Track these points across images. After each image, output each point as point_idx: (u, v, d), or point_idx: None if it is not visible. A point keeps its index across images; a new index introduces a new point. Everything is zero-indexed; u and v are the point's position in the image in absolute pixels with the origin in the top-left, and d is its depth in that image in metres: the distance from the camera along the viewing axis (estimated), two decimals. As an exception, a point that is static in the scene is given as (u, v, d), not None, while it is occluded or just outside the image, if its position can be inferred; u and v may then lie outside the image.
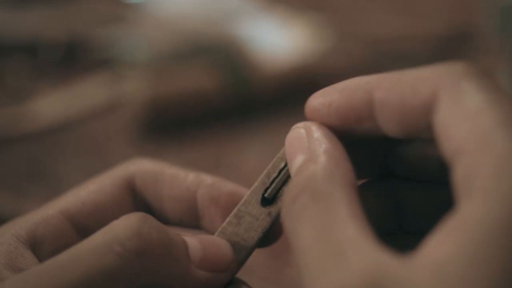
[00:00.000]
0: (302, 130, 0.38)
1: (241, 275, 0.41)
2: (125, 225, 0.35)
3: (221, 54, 1.03)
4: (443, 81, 0.33)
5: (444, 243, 0.28)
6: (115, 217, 0.37)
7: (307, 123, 0.38)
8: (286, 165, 0.40)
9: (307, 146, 0.36)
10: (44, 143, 0.96)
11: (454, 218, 0.29)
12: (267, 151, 0.90)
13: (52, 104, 1.03)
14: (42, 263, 0.35)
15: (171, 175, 0.45)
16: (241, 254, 0.40)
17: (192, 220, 0.45)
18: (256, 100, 1.01)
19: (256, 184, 0.41)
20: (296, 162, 0.36)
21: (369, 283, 0.28)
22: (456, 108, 0.32)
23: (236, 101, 1.00)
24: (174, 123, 0.98)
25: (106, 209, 0.43)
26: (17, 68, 1.12)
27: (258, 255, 0.43)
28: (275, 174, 0.40)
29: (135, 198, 0.45)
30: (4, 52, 1.14)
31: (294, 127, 0.38)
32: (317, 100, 0.39)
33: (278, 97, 1.02)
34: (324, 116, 0.38)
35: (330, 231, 0.31)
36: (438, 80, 0.33)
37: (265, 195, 0.40)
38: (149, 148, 0.95)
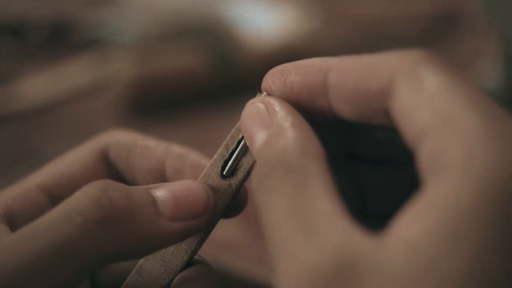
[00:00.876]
0: (261, 105, 0.37)
1: (223, 253, 0.41)
2: (86, 195, 0.35)
3: (208, 34, 1.02)
4: (400, 66, 0.33)
5: (415, 223, 0.28)
6: None
7: (266, 98, 0.38)
8: (243, 137, 0.40)
9: (270, 120, 0.36)
10: (31, 124, 0.96)
11: (423, 197, 0.29)
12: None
13: (39, 85, 1.03)
14: (8, 236, 0.35)
15: (143, 147, 0.45)
16: (221, 203, 0.40)
17: None
18: (242, 81, 1.01)
19: (215, 156, 0.41)
20: (259, 137, 0.36)
21: (341, 263, 0.28)
22: (415, 92, 0.32)
23: (222, 81, 1.00)
24: (160, 104, 0.98)
25: (82, 181, 0.42)
26: (3, 49, 1.11)
27: (241, 234, 0.43)
28: (234, 146, 0.40)
29: (110, 169, 0.45)
30: (-10, 33, 1.14)
31: (250, 102, 0.38)
32: (274, 76, 0.38)
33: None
34: (279, 91, 0.38)
35: (304, 206, 0.31)
36: (396, 65, 0.33)
37: (225, 167, 0.40)
38: (135, 128, 0.94)
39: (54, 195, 0.43)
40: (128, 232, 0.35)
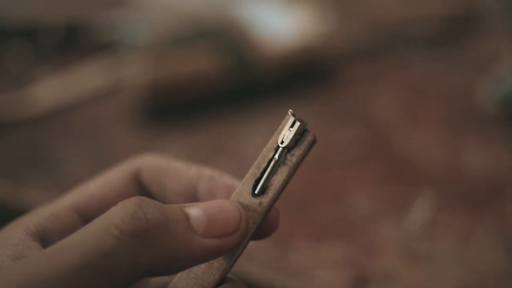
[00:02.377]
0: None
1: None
2: (121, 209, 0.36)
3: (223, 37, 1.02)
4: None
5: None
6: None
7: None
8: (274, 154, 0.41)
9: None
10: (44, 128, 0.96)
11: None
12: (269, 135, 0.90)
13: (52, 89, 1.02)
14: (45, 249, 0.35)
15: (175, 169, 0.46)
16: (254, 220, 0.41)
17: None
18: (258, 84, 1.00)
19: (247, 175, 0.41)
20: None
21: None
22: None
23: (238, 85, 0.99)
24: (175, 107, 0.98)
25: (113, 202, 0.43)
26: (16, 53, 1.11)
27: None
28: (265, 164, 0.41)
29: (141, 191, 0.47)
30: (4, 36, 1.13)
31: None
32: None
33: (280, 80, 1.01)
34: None
35: None
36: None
37: (256, 186, 0.41)
38: (149, 133, 0.94)
39: (86, 216, 0.44)
40: (162, 246, 0.36)
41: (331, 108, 0.97)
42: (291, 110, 0.41)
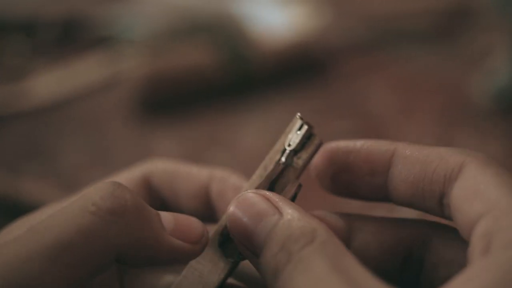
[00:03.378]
0: (255, 195, 0.39)
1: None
2: (100, 188, 0.36)
3: (219, 31, 1.02)
4: (470, 159, 0.37)
5: (469, 282, 0.31)
6: None
7: (255, 191, 0.39)
8: (281, 157, 0.41)
9: (275, 208, 0.38)
10: (41, 121, 0.96)
11: (474, 265, 0.33)
12: (264, 128, 0.90)
13: (50, 82, 1.03)
14: (24, 231, 0.35)
15: (186, 173, 0.47)
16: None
17: (207, 213, 0.47)
18: (254, 78, 1.01)
19: (253, 177, 0.42)
20: (268, 223, 0.37)
21: None
22: (479, 181, 0.36)
23: (233, 79, 1.00)
24: (171, 101, 0.98)
25: None
26: (14, 46, 1.11)
27: None
28: (272, 166, 0.41)
29: (152, 195, 0.47)
30: (2, 30, 1.14)
31: (241, 196, 0.39)
32: (339, 153, 0.42)
33: (276, 75, 1.02)
34: (339, 166, 0.42)
35: (346, 266, 0.34)
36: (467, 157, 0.37)
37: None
38: (146, 125, 0.95)
39: None
40: (135, 229, 0.36)
41: (326, 102, 0.97)
42: (299, 114, 0.41)
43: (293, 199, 0.41)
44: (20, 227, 0.41)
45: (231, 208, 0.38)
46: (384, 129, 0.90)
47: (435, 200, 0.38)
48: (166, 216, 0.39)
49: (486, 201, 0.35)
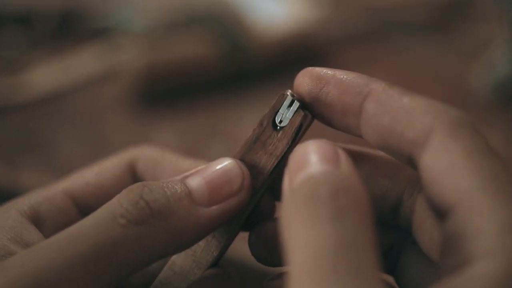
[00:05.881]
0: (330, 144, 0.36)
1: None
2: (124, 198, 0.36)
3: (218, 22, 1.02)
4: (439, 123, 0.34)
5: None
6: None
7: (329, 142, 0.36)
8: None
9: (337, 161, 0.34)
10: (39, 113, 0.96)
11: (463, 275, 0.30)
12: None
13: (47, 74, 1.02)
14: (51, 237, 0.35)
15: (170, 161, 0.46)
16: (259, 181, 0.40)
17: None
18: (252, 68, 1.01)
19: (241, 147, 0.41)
20: (324, 167, 0.34)
21: None
22: (449, 156, 0.33)
23: (232, 70, 1.00)
24: (169, 92, 0.98)
25: (108, 190, 0.44)
26: (12, 38, 1.11)
27: None
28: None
29: (136, 181, 0.45)
30: (-1, 22, 1.13)
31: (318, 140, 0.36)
32: (311, 79, 0.39)
33: (274, 65, 1.01)
34: (311, 95, 0.39)
35: (354, 251, 0.30)
36: (435, 120, 0.34)
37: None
38: (144, 117, 0.95)
39: (80, 202, 0.44)
40: (169, 229, 0.37)
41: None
42: (289, 91, 0.40)
43: (298, 130, 0.40)
44: (10, 211, 0.41)
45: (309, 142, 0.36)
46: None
47: (404, 158, 0.36)
48: (198, 188, 0.38)
49: (455, 190, 0.32)
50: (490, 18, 1.08)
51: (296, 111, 0.40)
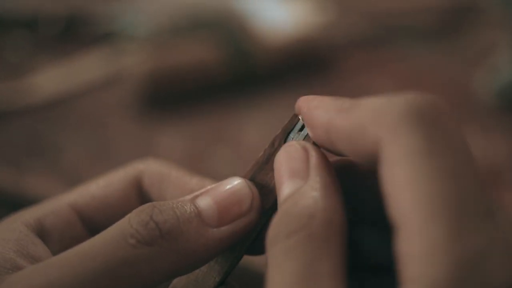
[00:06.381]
0: (300, 152, 0.37)
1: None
2: (134, 218, 0.36)
3: (222, 27, 1.02)
4: (385, 127, 0.31)
5: None
6: (122, 212, 0.39)
7: (307, 145, 0.37)
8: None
9: (304, 173, 0.36)
10: (44, 117, 0.96)
11: None
12: (268, 124, 0.90)
13: (52, 79, 1.03)
14: (61, 253, 0.35)
15: (177, 177, 0.46)
16: (269, 201, 0.40)
17: None
18: (257, 73, 1.01)
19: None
20: (290, 187, 0.35)
21: None
22: (391, 170, 0.31)
23: (236, 75, 1.00)
24: (174, 97, 0.98)
25: (113, 204, 0.44)
26: (17, 42, 1.11)
27: None
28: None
29: (142, 196, 0.46)
30: (4, 26, 1.14)
31: (291, 143, 0.38)
32: (308, 103, 0.38)
33: (279, 70, 1.01)
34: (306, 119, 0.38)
35: (315, 282, 0.31)
36: (382, 124, 0.32)
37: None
38: (148, 122, 0.95)
39: (85, 216, 0.44)
40: (179, 249, 0.36)
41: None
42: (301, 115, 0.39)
43: None
44: (15, 223, 0.40)
45: (280, 151, 0.37)
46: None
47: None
48: (207, 208, 0.38)
49: (395, 209, 0.30)
50: (494, 23, 1.08)
51: (306, 136, 0.39)
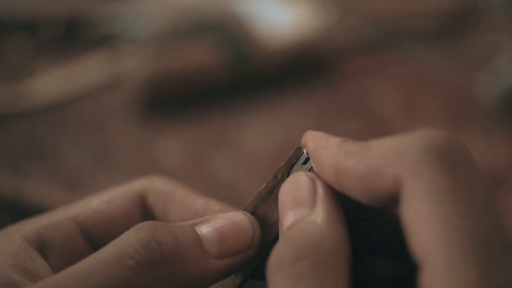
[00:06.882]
0: (307, 181, 0.37)
1: None
2: (134, 237, 0.36)
3: (223, 30, 1.02)
4: (405, 166, 0.31)
5: None
6: (124, 228, 0.37)
7: (313, 176, 0.37)
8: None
9: (311, 203, 0.35)
10: (44, 121, 0.96)
11: None
12: (269, 128, 0.90)
13: (53, 82, 1.02)
14: (57, 274, 0.35)
15: (182, 197, 0.45)
16: (270, 234, 0.40)
17: None
18: (258, 77, 1.00)
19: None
20: (295, 215, 0.35)
21: None
22: (420, 203, 0.30)
23: (238, 78, 0.99)
24: (175, 100, 0.98)
25: (116, 219, 0.44)
26: (17, 45, 1.11)
27: None
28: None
29: (145, 214, 0.46)
30: (5, 29, 1.13)
31: (296, 174, 0.38)
32: (314, 140, 0.38)
33: (280, 74, 1.01)
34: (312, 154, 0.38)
35: None
36: (400, 164, 0.31)
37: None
38: (149, 125, 0.94)
39: (87, 230, 0.43)
40: (177, 275, 0.36)
41: (331, 102, 0.97)
42: (305, 149, 0.40)
43: None
44: (14, 236, 0.40)
45: (286, 181, 0.37)
46: (389, 129, 0.90)
47: (391, 214, 0.33)
48: (209, 237, 0.38)
49: (418, 247, 0.30)
50: (496, 26, 1.08)
51: (310, 170, 0.39)
